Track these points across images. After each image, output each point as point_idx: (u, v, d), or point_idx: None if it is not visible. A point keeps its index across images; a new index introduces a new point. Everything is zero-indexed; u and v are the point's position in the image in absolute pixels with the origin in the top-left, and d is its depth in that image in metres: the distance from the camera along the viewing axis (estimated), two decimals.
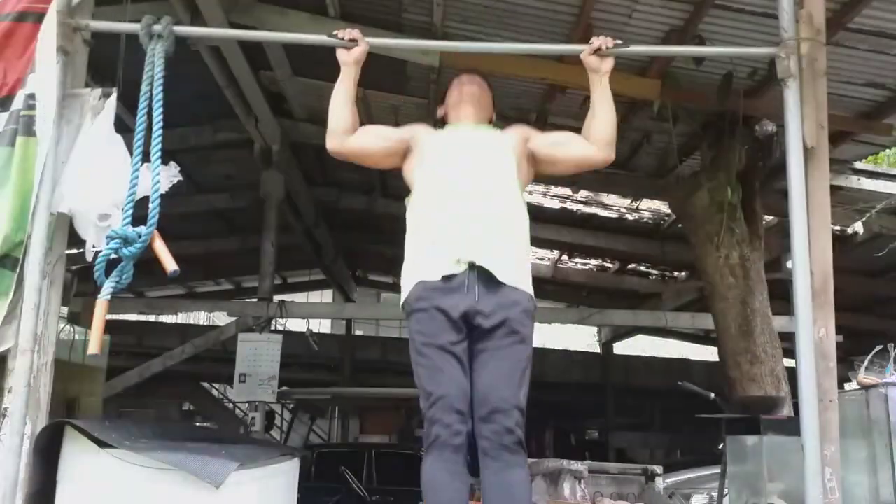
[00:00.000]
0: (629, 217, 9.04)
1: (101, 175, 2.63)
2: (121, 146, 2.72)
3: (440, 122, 2.84)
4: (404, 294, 2.49)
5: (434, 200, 2.52)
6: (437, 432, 2.31)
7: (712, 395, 4.45)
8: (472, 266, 2.38)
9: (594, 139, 2.62)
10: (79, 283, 7.21)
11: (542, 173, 2.77)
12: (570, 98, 5.74)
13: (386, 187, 9.05)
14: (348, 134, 2.64)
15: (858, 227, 7.00)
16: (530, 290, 2.47)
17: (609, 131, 2.61)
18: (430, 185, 2.55)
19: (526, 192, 2.68)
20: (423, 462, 2.35)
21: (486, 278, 2.38)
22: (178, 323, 15.69)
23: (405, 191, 2.72)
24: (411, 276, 2.48)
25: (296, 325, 13.19)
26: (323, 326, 17.50)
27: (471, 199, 2.46)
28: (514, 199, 2.54)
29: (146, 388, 11.40)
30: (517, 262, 2.47)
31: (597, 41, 2.66)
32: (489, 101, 2.80)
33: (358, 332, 16.56)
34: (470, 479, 2.36)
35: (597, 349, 16.91)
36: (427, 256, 2.46)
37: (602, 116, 2.62)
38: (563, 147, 2.69)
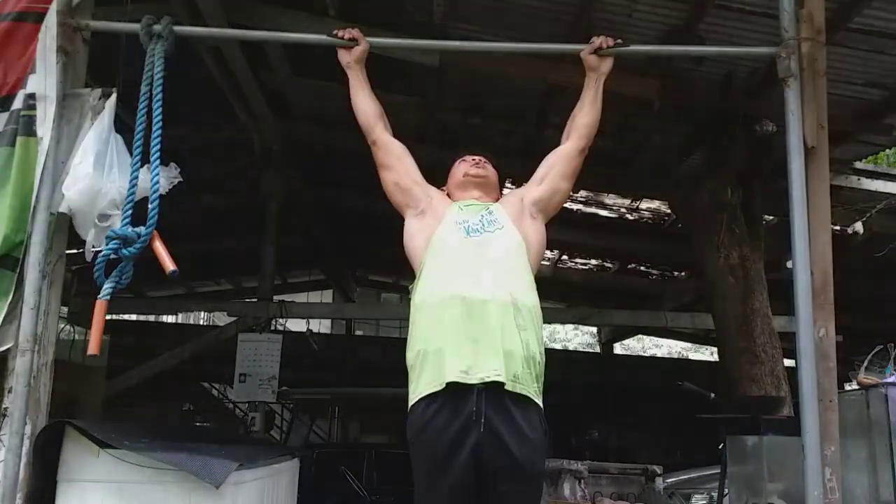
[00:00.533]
0: (629, 217, 9.04)
1: (101, 175, 2.64)
2: (121, 146, 2.72)
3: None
4: (410, 402, 2.28)
5: (442, 300, 2.30)
6: None
7: (712, 395, 4.46)
8: (480, 388, 2.16)
9: (576, 126, 2.68)
10: (79, 283, 7.21)
11: (553, 210, 2.66)
12: (570, 98, 5.70)
13: None
14: (380, 121, 2.68)
15: (858, 227, 6.99)
16: (540, 401, 2.26)
17: (592, 125, 2.68)
18: (438, 282, 2.35)
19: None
20: None
21: (495, 399, 2.17)
22: (178, 323, 15.69)
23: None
24: (416, 386, 2.27)
25: (296, 325, 13.18)
26: (323, 326, 17.48)
27: (482, 303, 2.25)
28: (528, 296, 2.34)
29: (146, 388, 11.41)
30: (530, 372, 2.25)
31: (597, 40, 2.67)
32: (496, 181, 2.69)
33: (358, 332, 16.56)
34: None
35: (597, 349, 16.91)
36: (432, 364, 2.24)
37: (588, 111, 2.69)
38: (551, 171, 2.64)
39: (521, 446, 2.15)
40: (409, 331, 2.38)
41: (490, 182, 2.66)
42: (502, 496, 2.16)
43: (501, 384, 2.16)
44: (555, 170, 2.64)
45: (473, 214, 2.47)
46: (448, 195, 2.67)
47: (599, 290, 12.23)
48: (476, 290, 2.26)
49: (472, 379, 2.16)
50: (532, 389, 2.23)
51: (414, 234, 2.53)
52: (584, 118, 2.68)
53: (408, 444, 2.27)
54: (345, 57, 2.71)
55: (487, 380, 2.15)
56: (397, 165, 2.65)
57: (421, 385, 2.25)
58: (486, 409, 2.14)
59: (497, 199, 2.65)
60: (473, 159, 2.67)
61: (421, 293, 2.38)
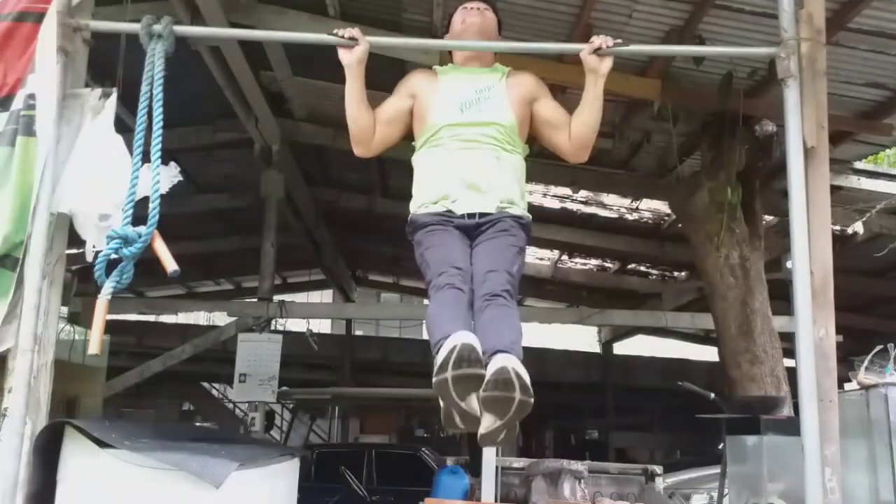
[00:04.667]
0: (629, 217, 9.04)
1: (101, 175, 2.64)
2: (121, 146, 2.72)
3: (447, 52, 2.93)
4: (412, 211, 2.66)
5: (436, 167, 2.64)
6: (440, 281, 2.40)
7: (712, 395, 4.45)
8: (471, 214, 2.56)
9: (573, 139, 2.69)
10: (79, 283, 7.21)
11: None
12: (570, 98, 5.71)
13: (386, 187, 9.05)
14: (371, 138, 2.72)
15: (858, 227, 6.99)
16: (526, 216, 2.64)
17: (589, 136, 2.68)
18: (433, 153, 2.65)
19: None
20: (428, 306, 2.47)
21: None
22: (178, 323, 15.68)
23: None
24: (418, 205, 2.64)
25: (296, 325, 13.18)
26: (323, 326, 17.49)
27: (471, 167, 2.58)
28: (514, 157, 2.65)
29: (146, 388, 11.41)
30: (514, 205, 2.61)
31: (597, 40, 2.66)
32: (493, 29, 2.85)
33: (358, 332, 16.57)
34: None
35: (597, 349, 16.91)
36: (429, 206, 2.60)
37: (587, 120, 2.67)
38: (551, 130, 2.75)
39: (503, 216, 2.56)
40: (413, 183, 2.72)
41: (486, 30, 2.80)
42: (486, 242, 2.51)
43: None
44: (554, 134, 2.74)
45: (469, 89, 2.68)
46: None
47: (599, 290, 12.23)
48: (465, 152, 2.59)
49: (465, 212, 2.55)
50: (515, 209, 2.60)
51: (415, 126, 2.76)
52: (581, 126, 2.68)
53: (412, 240, 2.63)
54: (346, 57, 2.71)
55: (477, 211, 2.55)
56: (390, 129, 2.76)
57: (423, 205, 2.62)
58: (476, 216, 2.56)
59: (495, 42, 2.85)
60: (471, 7, 2.81)
61: (419, 158, 2.70)
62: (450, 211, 2.56)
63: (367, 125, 2.69)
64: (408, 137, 2.83)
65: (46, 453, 2.53)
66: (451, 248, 2.50)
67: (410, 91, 2.77)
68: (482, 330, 2.28)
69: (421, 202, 2.64)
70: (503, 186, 2.60)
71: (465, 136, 2.61)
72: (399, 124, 2.76)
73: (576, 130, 2.67)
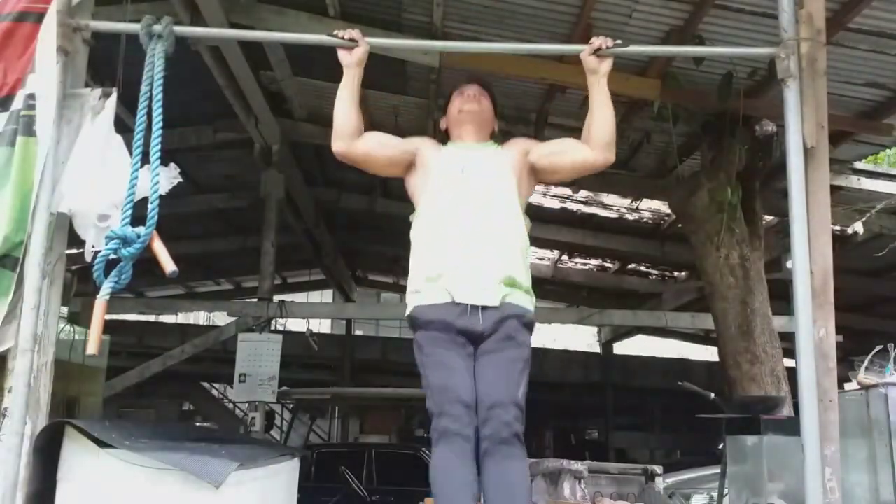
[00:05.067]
0: (629, 217, 9.04)
1: (101, 175, 2.63)
2: (121, 146, 2.72)
3: (443, 133, 2.88)
4: (408, 309, 2.57)
5: (437, 232, 2.58)
6: (445, 424, 2.33)
7: (712, 395, 4.45)
8: (475, 306, 2.45)
9: (593, 142, 2.64)
10: (79, 283, 7.20)
11: (545, 182, 2.84)
12: (570, 98, 5.74)
13: (386, 187, 9.05)
14: (354, 137, 2.68)
15: (858, 227, 6.99)
16: (530, 306, 2.55)
17: (608, 133, 2.63)
18: (433, 217, 2.61)
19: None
20: (432, 456, 2.37)
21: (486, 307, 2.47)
22: (178, 323, 15.69)
23: (406, 199, 2.79)
24: (414, 298, 2.56)
25: (296, 325, 13.18)
26: (323, 326, 17.50)
27: (472, 232, 2.52)
28: (516, 223, 2.60)
29: (146, 388, 11.41)
30: (517, 288, 2.53)
31: (596, 41, 2.66)
32: (490, 114, 2.83)
33: (358, 332, 16.57)
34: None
35: (597, 349, 16.92)
36: (429, 288, 2.52)
37: (601, 119, 2.64)
38: (562, 155, 2.72)
39: (507, 321, 2.46)
40: (410, 252, 2.65)
41: (484, 114, 2.79)
42: (490, 355, 2.43)
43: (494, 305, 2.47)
44: (568, 156, 2.70)
45: (468, 155, 2.68)
46: (447, 130, 2.85)
47: (599, 290, 12.24)
48: (467, 223, 2.53)
49: (467, 301, 2.45)
50: (521, 300, 2.52)
51: (412, 181, 2.73)
52: (597, 125, 2.63)
53: (413, 334, 2.55)
54: (345, 58, 2.71)
55: (479, 304, 2.45)
56: (380, 149, 2.75)
57: (417, 300, 2.54)
58: (480, 311, 2.46)
59: (492, 133, 2.83)
60: (470, 88, 2.80)
61: (417, 224, 2.66)
62: (451, 302, 2.45)
63: (354, 125, 2.67)
64: (386, 174, 2.84)
65: (46, 453, 2.52)
66: (453, 370, 2.40)
67: (416, 145, 2.76)
68: (489, 486, 2.29)
69: (421, 277, 2.55)
70: (506, 259, 2.52)
71: (466, 199, 2.57)
72: (388, 152, 2.73)
73: (595, 134, 2.63)
